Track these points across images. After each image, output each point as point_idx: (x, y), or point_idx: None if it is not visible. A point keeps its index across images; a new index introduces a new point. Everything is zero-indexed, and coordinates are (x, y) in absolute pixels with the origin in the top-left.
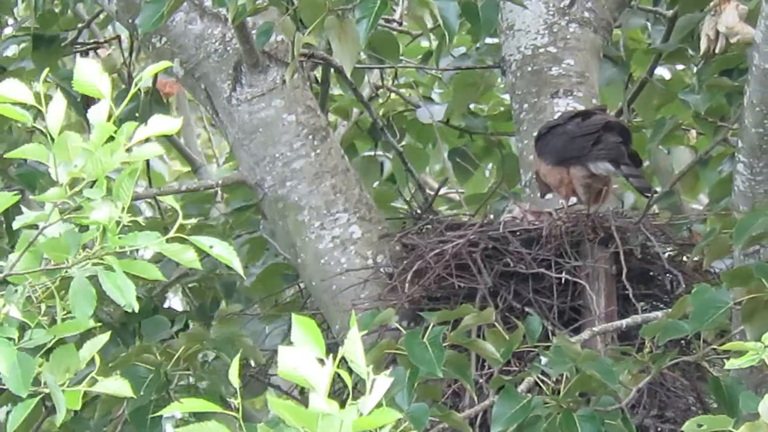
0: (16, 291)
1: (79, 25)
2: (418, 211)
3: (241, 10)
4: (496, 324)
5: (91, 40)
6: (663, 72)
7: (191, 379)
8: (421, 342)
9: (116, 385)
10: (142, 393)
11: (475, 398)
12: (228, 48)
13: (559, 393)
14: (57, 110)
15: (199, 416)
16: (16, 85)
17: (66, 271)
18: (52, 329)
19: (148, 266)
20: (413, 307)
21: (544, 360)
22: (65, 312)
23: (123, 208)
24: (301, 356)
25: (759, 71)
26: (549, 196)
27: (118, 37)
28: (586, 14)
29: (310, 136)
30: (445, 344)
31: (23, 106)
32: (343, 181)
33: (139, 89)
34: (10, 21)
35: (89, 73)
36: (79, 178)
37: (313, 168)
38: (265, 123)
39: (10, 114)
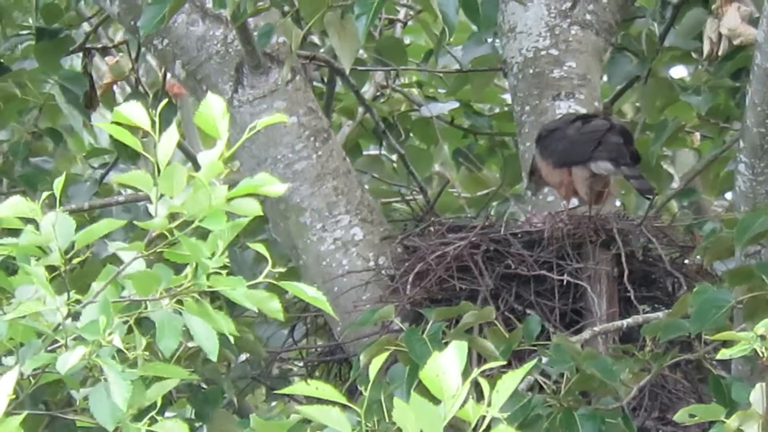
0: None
1: (86, 27)
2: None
3: (241, 11)
4: (496, 323)
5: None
6: (678, 71)
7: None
8: (420, 338)
9: (175, 427)
10: None
11: (476, 396)
12: (229, 49)
13: (559, 392)
14: (169, 142)
15: (199, 416)
16: (138, 108)
17: (146, 306)
18: (146, 367)
19: (223, 317)
20: (415, 308)
21: (544, 359)
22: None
23: (216, 255)
24: (449, 365)
25: (761, 71)
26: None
27: (126, 42)
28: (588, 17)
29: (312, 138)
30: (445, 341)
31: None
32: (345, 183)
33: (146, 90)
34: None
35: (214, 111)
36: (178, 213)
37: (315, 170)
38: None
39: (123, 138)
